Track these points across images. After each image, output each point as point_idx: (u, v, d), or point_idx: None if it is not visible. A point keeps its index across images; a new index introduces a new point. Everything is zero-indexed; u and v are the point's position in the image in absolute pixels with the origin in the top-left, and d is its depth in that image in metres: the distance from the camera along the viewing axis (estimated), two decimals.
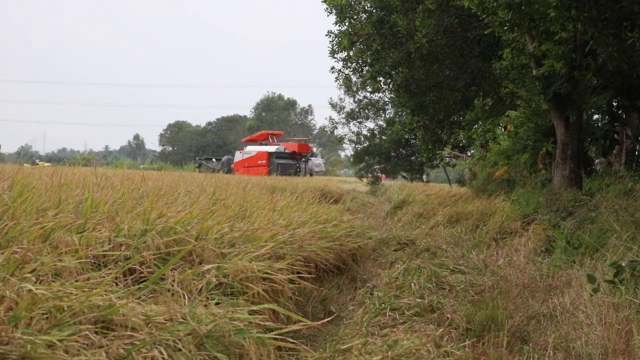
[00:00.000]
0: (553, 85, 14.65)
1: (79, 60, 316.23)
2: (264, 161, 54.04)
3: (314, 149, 63.44)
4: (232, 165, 57.33)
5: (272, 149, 56.22)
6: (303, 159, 57.24)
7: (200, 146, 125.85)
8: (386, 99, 41.28)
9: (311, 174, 53.37)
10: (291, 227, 9.09)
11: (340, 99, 43.25)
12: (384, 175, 45.81)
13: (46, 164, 20.20)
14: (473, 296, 8.41)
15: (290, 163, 54.95)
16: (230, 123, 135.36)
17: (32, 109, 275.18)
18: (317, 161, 58.90)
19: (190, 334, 4.19)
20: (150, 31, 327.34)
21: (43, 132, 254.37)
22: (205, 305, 4.83)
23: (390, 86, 21.83)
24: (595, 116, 20.51)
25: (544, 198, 14.76)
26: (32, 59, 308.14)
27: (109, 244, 5.68)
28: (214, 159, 65.89)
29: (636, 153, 18.52)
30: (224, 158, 63.02)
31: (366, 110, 42.81)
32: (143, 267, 5.49)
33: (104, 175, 10.67)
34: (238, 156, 57.56)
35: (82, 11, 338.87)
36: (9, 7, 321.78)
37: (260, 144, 60.07)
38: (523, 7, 11.92)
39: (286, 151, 56.47)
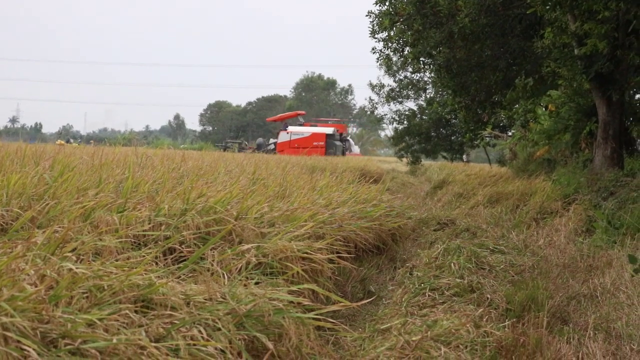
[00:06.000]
0: (595, 65, 14.55)
1: (119, 40, 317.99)
2: (322, 142, 54.55)
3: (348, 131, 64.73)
4: (269, 147, 57.35)
5: (329, 130, 56.80)
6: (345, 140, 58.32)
7: (240, 126, 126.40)
8: (426, 79, 41.08)
9: (343, 153, 53.92)
10: (331, 206, 9.07)
11: (380, 81, 43.10)
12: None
13: (79, 145, 21.20)
14: (513, 276, 8.41)
15: (340, 144, 55.61)
16: (270, 103, 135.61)
17: (73, 89, 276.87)
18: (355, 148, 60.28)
19: (229, 313, 4.20)
20: (191, 11, 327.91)
21: (84, 112, 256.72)
22: (245, 285, 4.83)
23: (432, 67, 21.75)
24: (638, 95, 20.25)
25: (585, 178, 14.68)
26: (73, 39, 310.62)
27: (149, 224, 5.70)
28: (243, 142, 66.88)
29: None
30: (258, 140, 63.64)
31: (406, 90, 42.63)
32: (183, 246, 5.51)
33: (144, 155, 10.70)
34: (284, 137, 57.38)
35: None
36: None
37: (286, 124, 60.45)
38: None
39: (337, 133, 57.11)
